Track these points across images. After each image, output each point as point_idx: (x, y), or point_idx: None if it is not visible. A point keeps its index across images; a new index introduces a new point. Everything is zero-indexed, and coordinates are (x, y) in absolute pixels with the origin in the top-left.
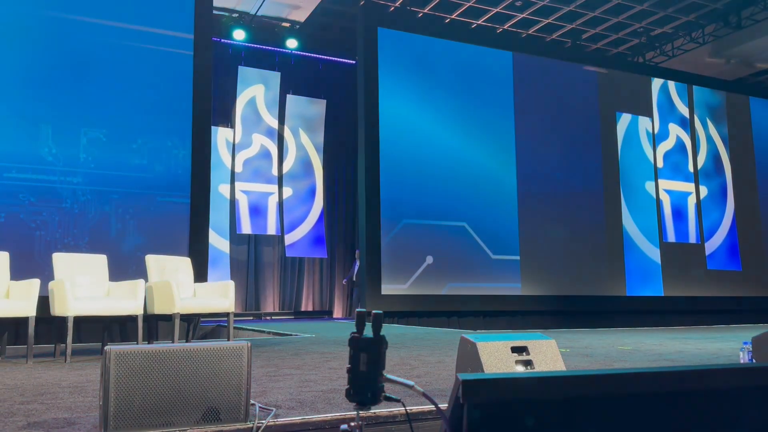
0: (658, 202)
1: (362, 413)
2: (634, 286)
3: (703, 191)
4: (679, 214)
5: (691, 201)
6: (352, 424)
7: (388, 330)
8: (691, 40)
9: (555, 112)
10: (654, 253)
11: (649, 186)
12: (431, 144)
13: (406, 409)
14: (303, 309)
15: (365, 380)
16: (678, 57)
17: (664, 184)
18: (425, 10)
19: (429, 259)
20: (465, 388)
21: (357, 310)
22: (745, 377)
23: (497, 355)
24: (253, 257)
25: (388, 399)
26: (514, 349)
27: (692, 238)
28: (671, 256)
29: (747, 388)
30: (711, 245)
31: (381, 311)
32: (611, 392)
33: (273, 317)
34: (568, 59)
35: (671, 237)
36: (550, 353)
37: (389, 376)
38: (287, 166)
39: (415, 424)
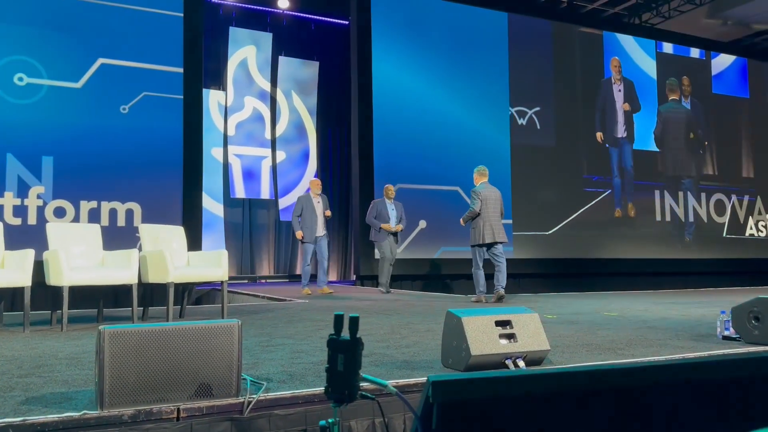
0: None
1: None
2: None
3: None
4: None
5: None
6: (330, 420)
7: (381, 295)
8: (688, 2)
9: (550, 75)
10: None
11: None
12: (425, 107)
13: (380, 406)
14: (297, 272)
15: (342, 380)
16: (674, 18)
17: None
18: None
19: (422, 224)
20: (434, 389)
21: (335, 313)
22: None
23: (482, 329)
24: (247, 221)
25: (364, 397)
26: (498, 323)
27: None
28: None
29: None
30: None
31: (357, 315)
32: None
33: (268, 280)
34: (563, 20)
35: None
36: (532, 326)
37: (365, 375)
38: (280, 129)
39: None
